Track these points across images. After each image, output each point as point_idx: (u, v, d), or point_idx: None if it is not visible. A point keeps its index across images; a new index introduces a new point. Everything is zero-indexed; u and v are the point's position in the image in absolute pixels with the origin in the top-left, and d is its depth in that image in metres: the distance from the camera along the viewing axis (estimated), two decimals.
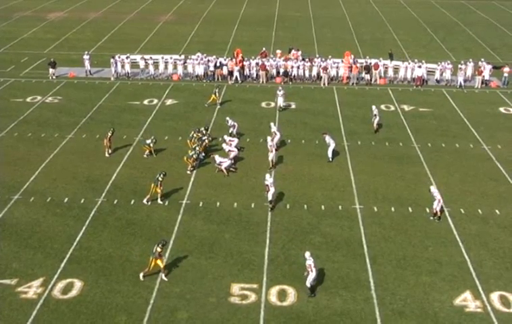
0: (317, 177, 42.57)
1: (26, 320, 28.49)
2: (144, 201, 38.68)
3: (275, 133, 46.53)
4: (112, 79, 63.06)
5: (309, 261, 29.97)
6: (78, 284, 30.95)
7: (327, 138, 44.99)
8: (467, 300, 30.18)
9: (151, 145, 45.00)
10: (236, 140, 45.87)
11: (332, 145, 44.81)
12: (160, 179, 38.45)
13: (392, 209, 38.36)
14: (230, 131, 47.68)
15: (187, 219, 37.20)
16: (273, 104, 56.26)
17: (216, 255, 33.52)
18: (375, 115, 50.54)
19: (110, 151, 45.38)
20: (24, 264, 32.55)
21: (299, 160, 44.86)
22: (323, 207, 38.59)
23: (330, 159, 44.67)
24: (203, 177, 42.32)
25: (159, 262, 30.99)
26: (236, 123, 48.27)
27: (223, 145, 44.56)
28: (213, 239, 35.00)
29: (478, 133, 50.25)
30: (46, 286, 30.78)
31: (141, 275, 31.19)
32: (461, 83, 61.62)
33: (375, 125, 50.51)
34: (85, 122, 51.43)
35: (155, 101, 57.10)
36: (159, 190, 38.63)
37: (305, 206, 38.73)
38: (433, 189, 38.00)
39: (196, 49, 69.59)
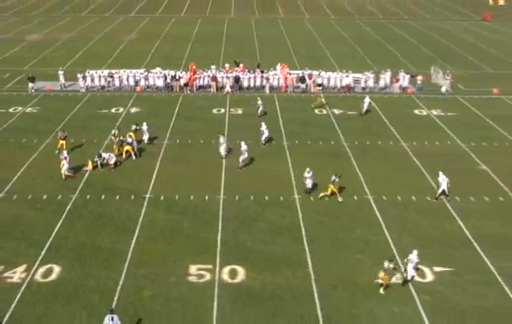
0: (261, 172, 42.63)
1: (12, 301, 28.24)
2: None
3: (264, 132, 47.59)
4: (81, 91, 62.16)
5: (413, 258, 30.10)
6: (56, 269, 30.72)
7: (222, 139, 45.02)
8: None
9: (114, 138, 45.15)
10: (135, 143, 45.67)
11: (224, 145, 44.80)
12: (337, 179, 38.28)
13: (326, 198, 38.59)
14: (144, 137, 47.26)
15: (150, 210, 36.98)
16: (222, 110, 56.24)
17: (176, 241, 33.51)
18: (369, 102, 55.69)
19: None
20: (9, 253, 32.16)
21: (246, 158, 44.81)
22: (267, 198, 38.68)
23: (223, 156, 44.66)
24: (164, 174, 42.13)
25: (382, 274, 29.28)
26: (148, 134, 47.56)
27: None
28: (173, 228, 34.92)
29: (397, 132, 50.88)
30: (28, 272, 30.52)
31: (381, 288, 29.46)
32: (400, 86, 63.24)
33: (363, 110, 55.28)
34: (60, 129, 50.40)
35: (121, 109, 56.49)
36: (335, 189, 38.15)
37: (252, 197, 38.76)
38: (442, 175, 38.76)
39: (156, 64, 69.05)
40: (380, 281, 29.25)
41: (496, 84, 65.26)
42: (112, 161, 42.78)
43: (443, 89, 62.75)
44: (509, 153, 46.93)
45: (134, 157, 44.46)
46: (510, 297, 29.07)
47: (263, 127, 48.09)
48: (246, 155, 43.22)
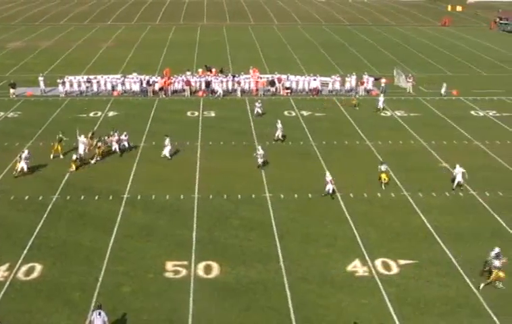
0: (234, 172, 42.50)
1: None
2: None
3: (278, 128, 48.20)
4: (61, 96, 61.57)
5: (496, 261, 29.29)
6: (38, 267, 30.30)
7: (167, 141, 44.71)
8: (356, 267, 30.76)
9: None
10: (115, 146, 45.50)
11: (169, 146, 44.53)
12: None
13: (296, 196, 38.64)
14: (123, 145, 46.17)
15: (128, 210, 36.69)
16: (196, 113, 56.11)
17: (153, 238, 33.25)
18: (383, 100, 57.82)
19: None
20: None
21: (219, 158, 44.74)
22: (239, 196, 38.59)
23: (169, 157, 44.44)
24: (141, 175, 41.85)
25: (500, 273, 28.68)
26: (127, 142, 46.54)
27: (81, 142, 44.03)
28: (150, 226, 34.65)
29: (362, 132, 51.12)
30: (11, 270, 30.03)
31: (482, 285, 28.98)
32: (364, 89, 63.84)
33: (380, 107, 57.46)
34: (41, 132, 50.04)
35: (99, 113, 56.02)
36: None
37: (225, 195, 38.64)
38: (458, 168, 39.52)
39: (132, 70, 68.64)
40: (497, 281, 28.91)
41: (455, 86, 65.99)
42: (82, 153, 43.06)
43: (442, 91, 63.27)
44: (468, 151, 47.46)
45: (95, 160, 44.05)
46: (470, 286, 29.29)
47: (279, 124, 48.48)
48: (262, 159, 43.00)
